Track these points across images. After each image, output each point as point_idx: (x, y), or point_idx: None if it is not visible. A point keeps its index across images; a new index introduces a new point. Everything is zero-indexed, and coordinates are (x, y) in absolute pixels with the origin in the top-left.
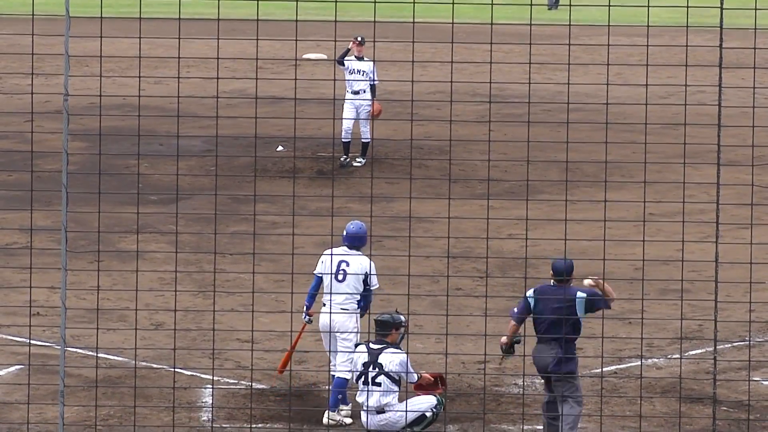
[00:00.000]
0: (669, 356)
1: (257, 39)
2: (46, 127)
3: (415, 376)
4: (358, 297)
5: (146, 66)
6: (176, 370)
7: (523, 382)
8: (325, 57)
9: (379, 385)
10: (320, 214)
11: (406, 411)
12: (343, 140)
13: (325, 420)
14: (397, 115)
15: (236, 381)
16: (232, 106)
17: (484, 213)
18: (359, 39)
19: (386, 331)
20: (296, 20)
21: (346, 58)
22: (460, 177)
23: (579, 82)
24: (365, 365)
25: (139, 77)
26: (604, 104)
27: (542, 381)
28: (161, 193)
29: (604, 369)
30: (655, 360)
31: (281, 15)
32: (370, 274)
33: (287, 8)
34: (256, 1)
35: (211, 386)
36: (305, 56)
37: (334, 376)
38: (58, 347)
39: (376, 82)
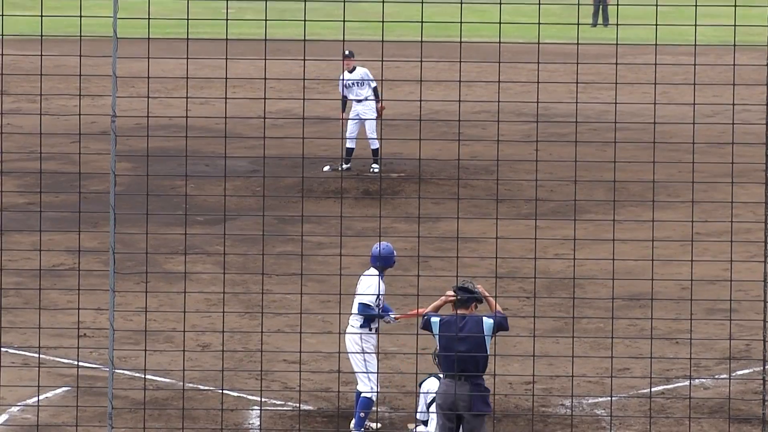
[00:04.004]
0: (717, 376)
1: (304, 59)
2: (92, 148)
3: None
4: (361, 318)
5: (192, 87)
6: (223, 391)
7: (572, 402)
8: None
9: None
10: (366, 235)
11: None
12: (346, 146)
13: None
14: (442, 135)
15: (283, 402)
16: (278, 126)
17: (531, 233)
18: (347, 53)
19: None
20: (343, 40)
21: (340, 77)
22: (506, 197)
23: (625, 101)
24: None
25: (186, 98)
26: (650, 123)
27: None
28: (207, 213)
29: (652, 389)
30: (703, 380)
31: (327, 35)
32: (360, 295)
33: (333, 28)
34: (302, 21)
35: (258, 408)
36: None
37: (359, 394)
38: (106, 369)
39: (375, 84)
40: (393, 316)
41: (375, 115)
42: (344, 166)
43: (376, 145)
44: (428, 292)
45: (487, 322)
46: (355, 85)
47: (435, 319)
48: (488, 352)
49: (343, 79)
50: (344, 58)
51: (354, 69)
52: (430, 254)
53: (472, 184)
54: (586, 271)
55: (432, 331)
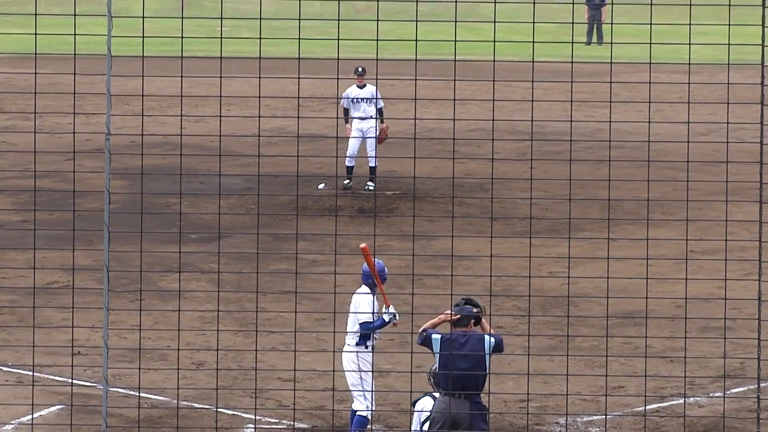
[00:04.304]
0: (711, 395)
1: (299, 78)
2: (87, 166)
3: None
4: (356, 336)
5: (187, 104)
6: (218, 409)
7: (566, 420)
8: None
9: None
10: (361, 253)
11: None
12: (346, 164)
13: None
14: (437, 153)
15: (278, 420)
16: (273, 144)
17: (525, 251)
18: (359, 70)
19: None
20: (337, 58)
21: (347, 93)
22: (501, 215)
23: (620, 120)
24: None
25: (181, 116)
26: (645, 141)
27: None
28: (202, 231)
29: (646, 408)
30: (698, 398)
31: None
32: (356, 313)
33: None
34: (297, 39)
35: (252, 426)
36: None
37: (354, 412)
38: (100, 387)
39: (382, 105)
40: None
41: (376, 133)
42: (346, 182)
43: (374, 163)
44: (423, 310)
45: (489, 340)
46: (364, 102)
47: (436, 336)
48: (487, 371)
49: (349, 96)
50: (358, 75)
51: (365, 86)
52: (425, 272)
53: (467, 202)
54: (581, 289)
55: (432, 348)
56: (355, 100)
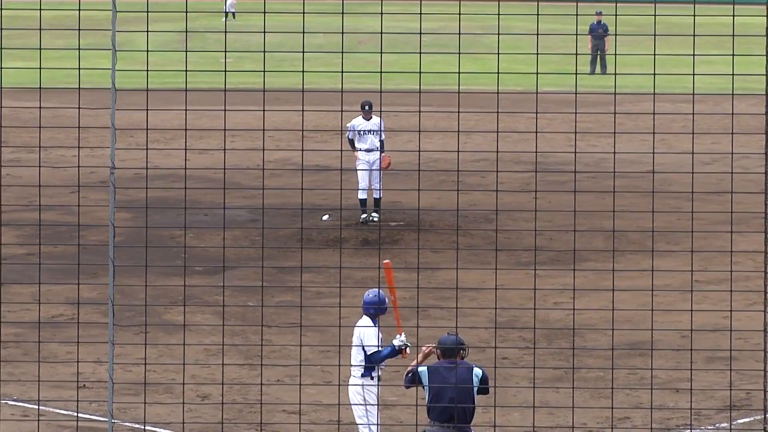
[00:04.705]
0: (717, 425)
1: (303, 110)
2: (91, 199)
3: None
4: (361, 368)
5: (191, 136)
6: None
7: None
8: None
9: None
10: (366, 285)
11: None
12: (359, 197)
13: None
14: (441, 183)
15: None
16: (277, 175)
17: (530, 282)
18: (366, 108)
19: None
20: (341, 90)
21: (353, 124)
22: (506, 245)
23: (624, 150)
24: None
25: (185, 149)
26: (649, 172)
27: None
28: (207, 264)
29: None
30: (704, 429)
31: (326, 84)
32: (364, 344)
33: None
34: (301, 72)
35: None
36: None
37: None
38: (106, 420)
39: (383, 137)
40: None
41: (382, 165)
42: (364, 216)
43: (379, 194)
44: (428, 342)
45: (477, 371)
46: (370, 133)
47: (422, 369)
48: (475, 403)
49: (355, 128)
50: (365, 112)
51: (371, 117)
52: (430, 303)
53: (472, 233)
54: (586, 320)
55: (422, 382)
56: (361, 132)
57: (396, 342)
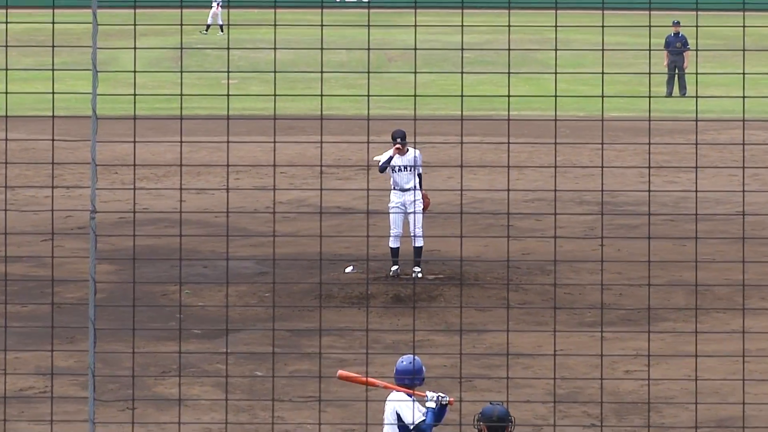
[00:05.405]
0: None
1: (321, 142)
2: (67, 248)
3: None
4: None
5: (187, 173)
6: None
7: None
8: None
9: None
10: (398, 351)
11: None
12: (391, 246)
13: None
14: (488, 228)
15: None
16: (290, 219)
17: (596, 346)
18: (399, 140)
19: None
20: (368, 118)
21: (381, 159)
22: (566, 303)
23: (708, 188)
24: None
25: (180, 188)
26: (738, 214)
27: None
28: (206, 326)
29: None
30: None
31: (348, 110)
32: (403, 420)
33: (355, 101)
34: (319, 96)
35: None
36: (377, 158)
37: None
38: None
39: (421, 171)
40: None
41: (422, 206)
42: (394, 269)
43: (421, 242)
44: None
45: None
46: (406, 170)
47: None
48: None
49: (390, 162)
50: (397, 144)
51: (407, 151)
52: (475, 372)
53: (525, 288)
54: (664, 392)
55: None
56: (396, 169)
57: (430, 404)
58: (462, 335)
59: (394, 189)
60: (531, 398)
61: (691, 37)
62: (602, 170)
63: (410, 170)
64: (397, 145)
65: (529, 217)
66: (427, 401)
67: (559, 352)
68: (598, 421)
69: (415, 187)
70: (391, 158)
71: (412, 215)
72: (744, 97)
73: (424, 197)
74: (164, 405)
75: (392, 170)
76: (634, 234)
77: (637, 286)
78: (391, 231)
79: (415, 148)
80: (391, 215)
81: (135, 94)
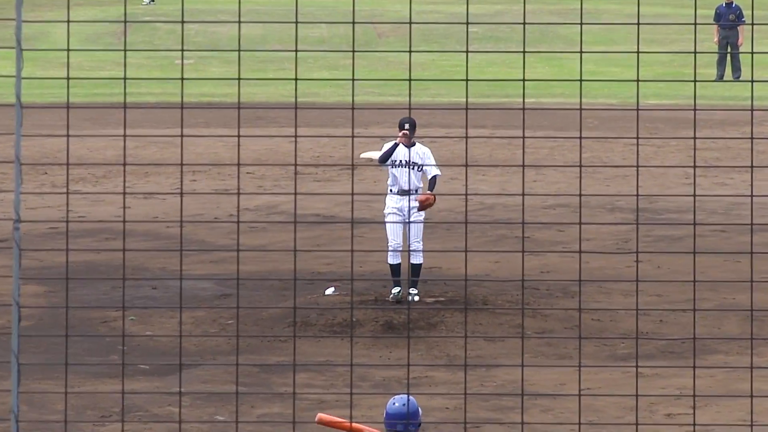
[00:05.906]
0: None
1: (296, 136)
2: None
3: None
4: None
5: (132, 173)
6: None
7: None
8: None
9: None
10: (389, 389)
11: None
12: (390, 262)
13: None
14: (499, 240)
15: None
16: (258, 230)
17: (631, 383)
18: (406, 126)
19: None
20: (353, 106)
21: (383, 150)
22: (594, 331)
23: (763, 194)
24: None
25: (124, 193)
26: None
27: None
28: (155, 360)
29: None
30: None
31: (329, 96)
32: None
33: (336, 86)
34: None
35: None
36: (364, 155)
37: None
38: None
39: (438, 173)
40: None
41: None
42: (395, 291)
43: (420, 259)
44: None
45: None
46: (413, 168)
47: None
48: None
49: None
50: (404, 131)
51: (414, 144)
52: (483, 416)
53: (544, 313)
54: None
55: None
56: (397, 163)
57: None
58: (467, 371)
59: (391, 190)
60: None
61: (747, 8)
62: (637, 170)
63: (414, 169)
64: (405, 131)
65: (549, 227)
66: None
67: (585, 391)
68: None
69: (418, 190)
70: (396, 146)
71: (412, 225)
72: None
73: (429, 196)
74: None
75: (392, 165)
76: (676, 248)
77: (680, 312)
78: (389, 244)
79: (422, 144)
80: (387, 225)
81: (68, 78)
